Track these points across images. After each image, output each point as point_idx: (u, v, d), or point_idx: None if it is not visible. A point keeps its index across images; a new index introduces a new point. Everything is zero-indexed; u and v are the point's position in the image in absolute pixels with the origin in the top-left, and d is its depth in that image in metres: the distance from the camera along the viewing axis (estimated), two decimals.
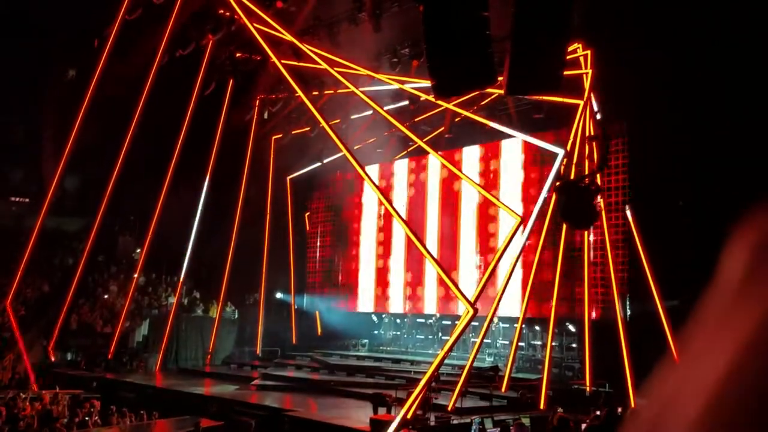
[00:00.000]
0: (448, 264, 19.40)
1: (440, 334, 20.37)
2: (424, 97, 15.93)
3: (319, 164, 22.70)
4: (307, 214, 24.78)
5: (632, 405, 11.97)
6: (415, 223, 20.51)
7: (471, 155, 20.51)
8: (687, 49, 13.68)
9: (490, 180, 19.85)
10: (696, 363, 0.57)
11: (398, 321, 22.27)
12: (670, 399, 0.57)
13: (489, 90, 14.04)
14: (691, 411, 0.53)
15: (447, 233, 20.73)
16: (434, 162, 20.66)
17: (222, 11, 16.74)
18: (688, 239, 13.17)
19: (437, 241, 20.81)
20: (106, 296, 22.09)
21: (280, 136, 22.03)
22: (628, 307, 15.96)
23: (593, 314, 16.08)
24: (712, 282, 0.59)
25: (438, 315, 20.62)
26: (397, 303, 21.89)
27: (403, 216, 19.42)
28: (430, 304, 20.90)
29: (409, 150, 21.49)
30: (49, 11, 21.91)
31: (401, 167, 22.55)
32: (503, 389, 14.83)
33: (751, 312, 0.53)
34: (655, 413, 0.58)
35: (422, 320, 21.34)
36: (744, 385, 0.51)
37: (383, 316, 22.54)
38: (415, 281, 21.36)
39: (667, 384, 0.59)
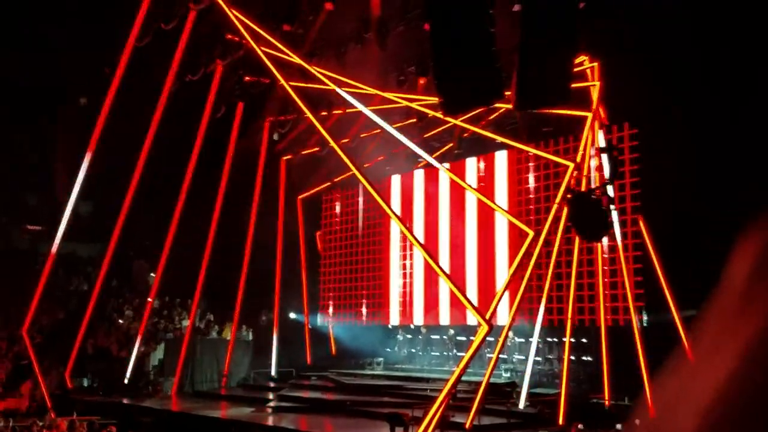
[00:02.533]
0: (460, 278, 19.33)
1: (455, 351, 20.22)
2: (431, 113, 15.99)
3: (329, 183, 22.72)
4: (318, 233, 24.82)
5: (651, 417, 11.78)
6: (428, 238, 20.49)
7: (477, 168, 20.50)
8: (700, 55, 13.65)
9: (499, 192, 19.80)
10: (697, 367, 0.57)
11: (411, 337, 22.14)
12: (671, 402, 0.57)
13: (497, 104, 14.06)
14: (691, 415, 0.53)
15: (460, 247, 20.67)
16: (445, 176, 20.68)
17: (230, 36, 16.95)
18: (703, 248, 13.04)
19: (448, 256, 20.74)
20: (121, 321, 22.16)
21: (290, 157, 22.15)
22: (644, 318, 15.78)
23: (609, 326, 15.90)
24: (718, 288, 0.59)
25: (452, 331, 20.49)
26: (414, 317, 21.79)
27: (417, 230, 19.40)
28: (445, 317, 20.81)
29: (418, 166, 21.54)
30: (61, 40, 22.29)
31: (412, 182, 22.57)
32: (521, 405, 14.66)
33: (755, 314, 0.54)
34: (655, 419, 0.58)
35: (437, 336, 21.20)
36: (748, 386, 0.51)
37: (398, 334, 22.43)
38: (430, 295, 21.25)
39: (666, 388, 0.60)
